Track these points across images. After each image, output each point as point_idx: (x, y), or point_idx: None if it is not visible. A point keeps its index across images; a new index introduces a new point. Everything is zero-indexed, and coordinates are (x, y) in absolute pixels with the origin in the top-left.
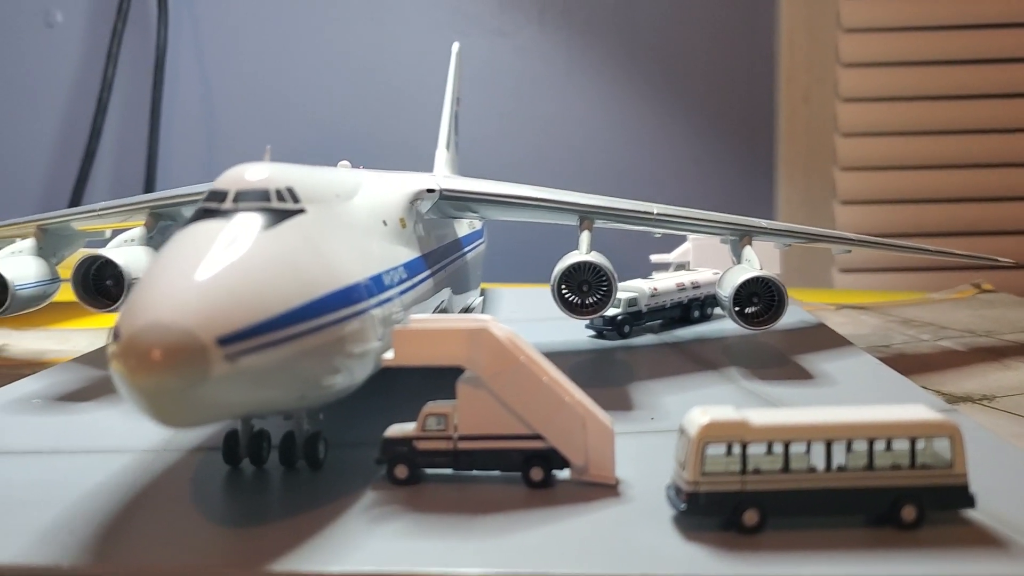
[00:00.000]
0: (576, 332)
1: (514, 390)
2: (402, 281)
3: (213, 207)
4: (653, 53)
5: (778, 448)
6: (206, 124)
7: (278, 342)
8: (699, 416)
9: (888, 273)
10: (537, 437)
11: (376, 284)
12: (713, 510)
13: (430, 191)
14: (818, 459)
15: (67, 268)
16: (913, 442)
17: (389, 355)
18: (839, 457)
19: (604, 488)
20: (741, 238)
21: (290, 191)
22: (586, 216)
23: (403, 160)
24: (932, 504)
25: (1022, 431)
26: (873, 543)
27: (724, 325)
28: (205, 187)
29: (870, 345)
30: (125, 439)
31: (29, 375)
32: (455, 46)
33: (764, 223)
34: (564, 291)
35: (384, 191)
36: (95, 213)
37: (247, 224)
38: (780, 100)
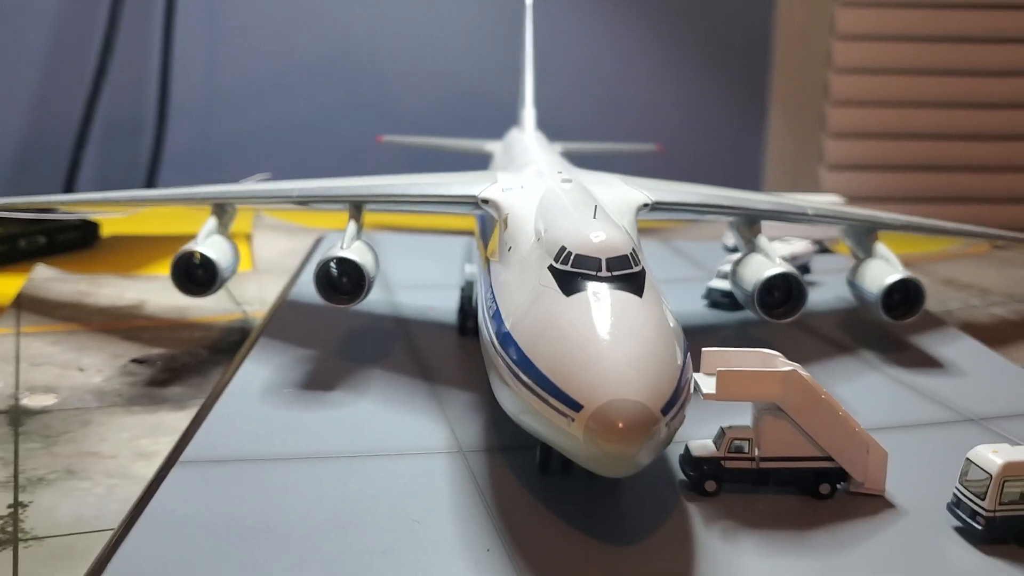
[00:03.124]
0: (692, 300)
1: (815, 421)
2: None
3: (590, 273)
4: None
5: None
6: (216, 43)
7: (683, 401)
8: (994, 456)
9: (876, 172)
10: (827, 458)
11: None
12: (1007, 530)
13: (645, 205)
14: None
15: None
16: None
17: (710, 389)
18: None
19: (878, 499)
20: (868, 233)
21: (634, 253)
22: (756, 219)
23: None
24: None
25: None
26: None
27: (816, 296)
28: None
29: (934, 311)
30: (417, 440)
31: (203, 345)
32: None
33: (888, 219)
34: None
35: (623, 217)
36: (292, 198)
37: (628, 293)
38: (776, 35)
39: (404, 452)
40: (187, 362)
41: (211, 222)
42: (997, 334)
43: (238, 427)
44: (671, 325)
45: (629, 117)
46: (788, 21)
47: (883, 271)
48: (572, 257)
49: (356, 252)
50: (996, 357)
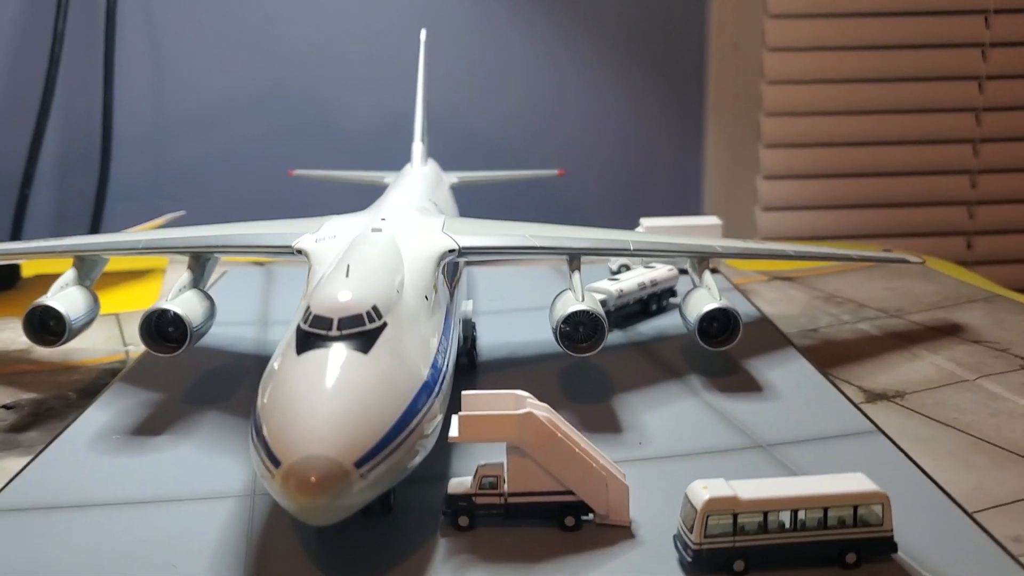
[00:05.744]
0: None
1: (553, 459)
2: (446, 350)
3: (322, 333)
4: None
5: (759, 516)
6: (158, 75)
7: (391, 452)
8: (701, 491)
9: (810, 180)
10: (570, 493)
11: (435, 368)
12: (713, 562)
13: (451, 251)
14: (787, 521)
15: None
16: (855, 508)
17: (454, 433)
18: (801, 519)
19: (621, 529)
20: (700, 262)
21: (375, 309)
22: (575, 256)
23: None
24: (868, 552)
25: (930, 434)
26: None
27: (676, 320)
28: (241, 231)
29: (801, 329)
30: (218, 482)
31: (75, 388)
32: (423, 33)
33: (719, 247)
34: (564, 328)
35: (417, 265)
36: (135, 250)
37: (351, 351)
38: (711, 47)
39: (196, 496)
40: (53, 406)
41: (68, 274)
42: (846, 352)
43: (53, 476)
44: (398, 378)
45: (567, 136)
46: (721, 34)
47: (702, 300)
48: (311, 317)
49: (181, 304)
50: (820, 380)
